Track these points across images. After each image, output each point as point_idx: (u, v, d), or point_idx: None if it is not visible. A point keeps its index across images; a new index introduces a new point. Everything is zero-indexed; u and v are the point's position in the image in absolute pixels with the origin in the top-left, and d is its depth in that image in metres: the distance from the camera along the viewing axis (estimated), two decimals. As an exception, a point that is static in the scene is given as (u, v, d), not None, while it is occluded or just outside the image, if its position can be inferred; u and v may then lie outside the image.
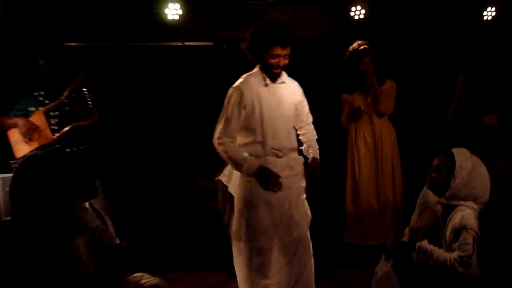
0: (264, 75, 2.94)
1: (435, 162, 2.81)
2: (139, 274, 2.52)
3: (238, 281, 3.08)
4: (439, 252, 2.58)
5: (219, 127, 2.91)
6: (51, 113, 3.92)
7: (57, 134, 3.89)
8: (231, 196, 3.19)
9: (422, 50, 5.43)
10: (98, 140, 4.22)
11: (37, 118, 3.90)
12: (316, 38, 5.40)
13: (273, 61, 2.85)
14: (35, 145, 3.86)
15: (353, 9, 5.07)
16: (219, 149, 2.90)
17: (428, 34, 5.29)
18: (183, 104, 5.49)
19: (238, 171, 2.91)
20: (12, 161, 4.54)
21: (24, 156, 3.74)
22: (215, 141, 2.92)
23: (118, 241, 2.53)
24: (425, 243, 2.64)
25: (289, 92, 3.03)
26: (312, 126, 3.21)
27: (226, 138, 2.88)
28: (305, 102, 3.16)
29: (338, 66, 4.35)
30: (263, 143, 2.91)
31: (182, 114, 5.47)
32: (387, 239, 4.04)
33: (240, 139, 2.97)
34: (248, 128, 2.93)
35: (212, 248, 4.55)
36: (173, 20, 4.98)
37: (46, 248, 2.20)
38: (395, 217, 4.12)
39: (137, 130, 4.56)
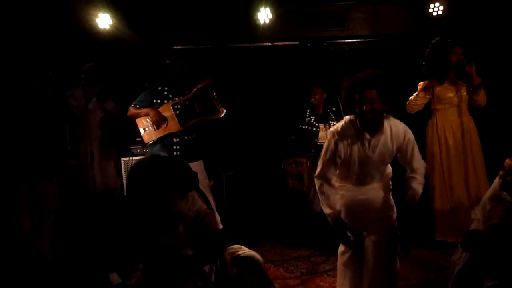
0: (360, 126, 2.72)
1: (506, 165, 2.64)
2: (236, 246, 2.67)
3: None
4: None
5: (320, 166, 2.85)
6: (176, 106, 4.01)
7: (183, 126, 4.01)
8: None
9: (500, 43, 5.02)
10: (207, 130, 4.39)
11: (165, 110, 3.99)
12: (396, 35, 5.24)
13: (364, 107, 2.63)
14: (161, 132, 3.98)
15: (431, 5, 4.88)
16: (317, 184, 2.87)
17: (505, 28, 4.91)
18: (273, 98, 5.59)
19: (322, 208, 2.87)
20: (132, 146, 4.85)
21: (152, 140, 3.99)
22: (315, 176, 2.87)
23: (220, 226, 2.51)
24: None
25: (388, 141, 2.77)
26: (421, 176, 2.85)
27: (324, 179, 2.83)
28: (411, 147, 2.81)
29: (417, 61, 4.05)
30: (346, 178, 2.88)
31: (272, 107, 5.58)
32: None
33: None
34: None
35: (299, 225, 4.64)
36: (264, 23, 5.07)
37: (150, 231, 2.28)
38: None
39: (235, 122, 4.63)
